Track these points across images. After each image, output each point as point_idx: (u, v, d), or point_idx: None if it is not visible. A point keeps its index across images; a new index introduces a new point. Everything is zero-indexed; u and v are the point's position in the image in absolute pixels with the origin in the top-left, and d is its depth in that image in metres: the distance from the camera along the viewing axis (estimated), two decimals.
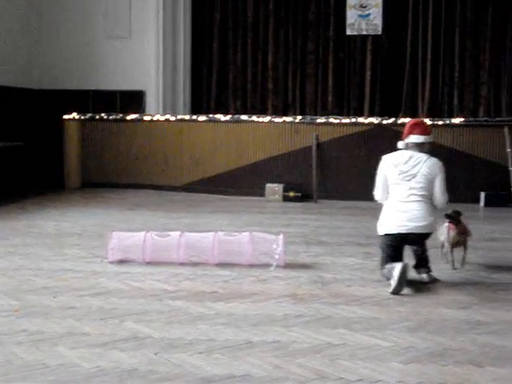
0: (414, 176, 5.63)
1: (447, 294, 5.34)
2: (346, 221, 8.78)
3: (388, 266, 5.44)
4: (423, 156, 5.70)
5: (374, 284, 5.57)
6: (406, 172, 5.65)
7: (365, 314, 4.76)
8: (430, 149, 5.81)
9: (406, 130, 5.82)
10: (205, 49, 13.44)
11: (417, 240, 5.65)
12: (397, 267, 5.29)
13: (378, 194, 5.83)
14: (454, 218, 6.04)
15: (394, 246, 5.60)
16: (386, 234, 5.64)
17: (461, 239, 6.06)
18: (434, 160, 5.72)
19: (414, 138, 5.74)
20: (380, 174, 5.79)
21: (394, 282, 5.26)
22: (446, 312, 4.84)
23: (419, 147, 5.74)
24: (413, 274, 5.69)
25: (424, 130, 5.81)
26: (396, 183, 5.68)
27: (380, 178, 5.79)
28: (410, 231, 5.54)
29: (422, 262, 5.73)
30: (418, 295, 5.28)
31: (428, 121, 10.52)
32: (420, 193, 5.61)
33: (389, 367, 3.79)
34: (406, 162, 5.68)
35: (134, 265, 6.13)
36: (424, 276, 5.66)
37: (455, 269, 6.03)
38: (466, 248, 6.10)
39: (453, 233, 6.04)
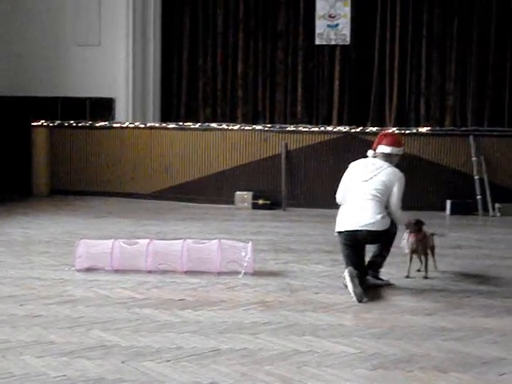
0: (372, 179, 5.74)
1: (413, 300, 5.41)
2: (314, 228, 8.84)
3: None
4: (385, 164, 5.81)
5: (341, 291, 5.61)
6: (365, 175, 5.77)
7: (332, 321, 4.80)
8: (397, 161, 5.90)
9: (377, 140, 5.93)
10: (175, 56, 13.45)
11: (369, 238, 5.69)
12: (345, 275, 5.45)
13: (338, 196, 5.97)
14: (414, 227, 6.10)
15: (349, 245, 5.69)
16: (339, 232, 5.76)
17: (420, 247, 6.10)
18: (394, 170, 5.82)
19: (383, 149, 5.87)
20: (344, 178, 5.93)
21: (351, 291, 5.36)
22: (412, 319, 4.91)
23: (387, 158, 5.85)
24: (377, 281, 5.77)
25: (393, 141, 5.92)
26: (354, 185, 5.80)
27: (343, 181, 5.93)
28: (358, 228, 5.63)
29: (372, 266, 5.80)
30: (384, 302, 5.34)
31: (395, 130, 10.69)
32: (374, 193, 5.70)
33: (355, 374, 3.83)
34: (367, 167, 5.83)
35: (102, 273, 6.11)
36: (369, 278, 5.75)
37: (407, 277, 6.08)
38: (426, 256, 6.15)
39: (412, 240, 6.11)
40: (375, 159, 5.85)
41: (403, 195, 5.85)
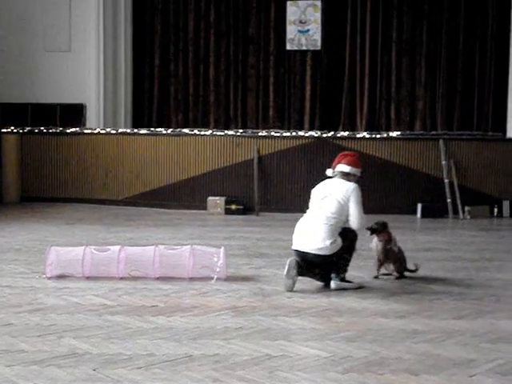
0: (327, 198, 5.83)
1: (385, 303, 5.45)
2: (286, 233, 8.76)
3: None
4: (344, 183, 5.89)
5: (313, 295, 5.64)
6: (321, 194, 5.88)
7: (304, 325, 4.82)
8: (355, 181, 5.96)
9: (336, 159, 6.03)
10: (146, 62, 13.42)
11: (317, 261, 5.80)
12: (287, 263, 5.68)
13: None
14: (376, 230, 6.20)
15: (300, 260, 5.80)
16: (292, 248, 5.94)
17: (380, 247, 6.19)
18: (349, 184, 5.87)
19: (342, 167, 5.97)
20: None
21: (283, 279, 5.67)
22: (383, 322, 4.94)
23: (345, 177, 5.95)
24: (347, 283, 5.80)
25: (352, 161, 6.01)
26: (312, 205, 5.94)
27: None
28: (307, 250, 5.79)
29: (336, 269, 5.84)
30: (356, 305, 5.37)
31: (366, 134, 10.78)
32: (328, 216, 5.77)
33: (327, 377, 3.85)
34: (324, 185, 5.94)
35: (73, 280, 6.06)
36: (337, 282, 5.82)
37: (376, 277, 6.19)
38: (384, 257, 6.21)
39: (376, 240, 6.22)
40: (335, 179, 5.96)
41: (363, 205, 5.87)
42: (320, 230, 5.76)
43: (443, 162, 10.47)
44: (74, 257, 6.13)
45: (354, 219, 5.80)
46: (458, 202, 10.36)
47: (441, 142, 10.59)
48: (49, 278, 6.09)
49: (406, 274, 6.32)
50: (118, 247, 6.22)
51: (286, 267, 5.74)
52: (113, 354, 4.16)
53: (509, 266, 6.89)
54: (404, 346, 4.38)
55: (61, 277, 6.13)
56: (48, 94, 12.61)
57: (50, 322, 4.82)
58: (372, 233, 6.23)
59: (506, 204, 10.49)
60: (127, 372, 3.87)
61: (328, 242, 5.73)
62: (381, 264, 6.24)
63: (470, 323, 4.92)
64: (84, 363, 4.00)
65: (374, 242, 6.26)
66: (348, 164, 5.97)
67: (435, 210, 10.33)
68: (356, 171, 6.00)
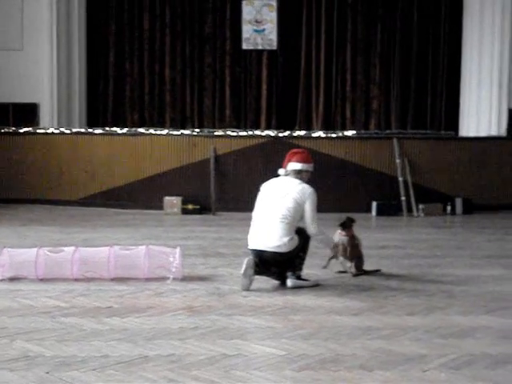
0: (283, 198, 5.84)
1: (340, 301, 5.49)
2: (243, 232, 8.73)
3: None
4: (296, 181, 5.91)
5: (270, 294, 5.66)
6: (276, 193, 5.88)
7: (260, 324, 4.83)
8: (308, 177, 6.00)
9: (287, 158, 6.03)
10: (101, 61, 13.29)
11: (275, 259, 5.82)
12: (244, 262, 5.69)
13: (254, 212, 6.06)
14: (346, 225, 6.28)
15: (257, 259, 5.81)
16: (250, 249, 5.94)
17: (343, 243, 6.25)
18: (304, 186, 5.91)
19: (293, 166, 5.98)
20: (257, 200, 6.04)
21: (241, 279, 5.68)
22: (338, 319, 4.99)
23: (297, 174, 5.97)
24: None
25: (302, 158, 6.03)
26: (266, 203, 5.91)
27: (256, 203, 6.03)
28: (265, 249, 5.80)
29: (291, 267, 5.88)
30: (311, 303, 5.40)
31: (322, 133, 10.85)
32: (284, 214, 5.80)
33: (282, 375, 3.86)
34: (278, 185, 5.95)
35: (27, 282, 5.96)
36: (293, 280, 5.86)
37: (325, 267, 6.32)
38: (345, 253, 6.29)
39: (339, 235, 6.30)
40: (287, 177, 5.98)
41: (316, 210, 5.91)
42: (277, 227, 5.77)
43: (397, 161, 10.61)
44: (27, 258, 6.04)
45: (309, 225, 5.85)
46: (412, 199, 10.51)
47: (395, 140, 10.72)
48: (1, 280, 5.98)
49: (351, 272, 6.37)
50: (72, 248, 6.14)
51: (244, 266, 5.74)
52: (66, 356, 4.11)
53: (461, 262, 7.02)
54: (359, 343, 4.43)
55: (14, 279, 6.03)
56: (0, 93, 12.39)
57: (2, 324, 4.74)
58: (343, 228, 6.26)
59: (458, 201, 10.68)
60: (81, 374, 3.83)
61: (286, 239, 5.75)
62: (333, 257, 6.29)
63: (423, 319, 5.00)
64: (37, 366, 3.94)
65: (338, 236, 6.29)
66: (299, 161, 5.98)
67: (390, 208, 10.46)
68: (308, 167, 6.02)
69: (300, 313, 5.13)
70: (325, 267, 6.33)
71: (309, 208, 5.83)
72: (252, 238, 5.95)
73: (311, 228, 5.86)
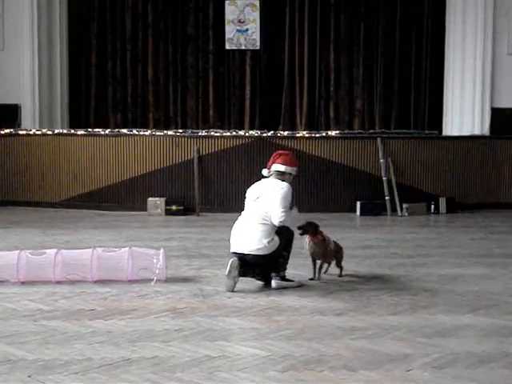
0: (261, 199, 5.84)
1: (323, 301, 5.49)
2: (227, 233, 8.71)
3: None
4: (277, 182, 5.89)
5: (254, 295, 5.65)
6: (256, 195, 5.88)
7: (244, 325, 4.81)
8: (290, 180, 5.98)
9: (272, 158, 6.03)
10: (83, 61, 13.21)
11: (257, 261, 5.81)
12: (228, 263, 5.69)
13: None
14: (308, 230, 6.13)
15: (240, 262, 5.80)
16: (232, 252, 5.94)
17: (318, 250, 6.11)
18: (282, 184, 5.87)
19: (277, 167, 5.99)
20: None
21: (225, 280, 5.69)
22: (322, 319, 4.98)
23: (281, 176, 5.97)
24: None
25: (287, 160, 6.02)
26: (246, 205, 5.95)
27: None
28: (246, 252, 5.80)
29: (275, 268, 5.85)
30: (295, 304, 5.39)
31: (305, 133, 10.86)
32: (262, 215, 5.80)
33: (266, 376, 3.85)
34: (258, 185, 5.96)
35: (8, 285, 5.90)
36: (277, 281, 5.84)
37: (312, 279, 6.12)
38: (324, 260, 6.19)
39: (310, 243, 6.14)
40: (269, 179, 5.97)
41: (291, 203, 5.84)
42: (256, 230, 5.77)
43: (381, 161, 10.63)
44: (8, 261, 5.97)
45: (274, 212, 5.73)
46: (396, 199, 10.53)
47: (379, 140, 10.74)
48: None
49: (344, 272, 6.35)
50: (54, 250, 6.09)
51: (228, 267, 5.73)
52: (49, 359, 4.07)
53: (445, 262, 7.04)
54: (342, 343, 4.43)
55: None
56: None
57: None
58: (303, 233, 6.14)
59: (442, 201, 10.71)
60: (63, 377, 3.79)
61: (265, 241, 5.75)
62: (317, 265, 6.19)
63: (407, 318, 5.00)
64: (18, 369, 3.90)
65: (307, 244, 6.15)
66: (283, 163, 5.98)
67: (374, 208, 10.47)
68: (291, 170, 6.02)
69: (284, 313, 5.12)
70: (312, 279, 6.11)
71: (277, 198, 5.74)
72: (233, 242, 5.96)
73: (278, 214, 5.69)
